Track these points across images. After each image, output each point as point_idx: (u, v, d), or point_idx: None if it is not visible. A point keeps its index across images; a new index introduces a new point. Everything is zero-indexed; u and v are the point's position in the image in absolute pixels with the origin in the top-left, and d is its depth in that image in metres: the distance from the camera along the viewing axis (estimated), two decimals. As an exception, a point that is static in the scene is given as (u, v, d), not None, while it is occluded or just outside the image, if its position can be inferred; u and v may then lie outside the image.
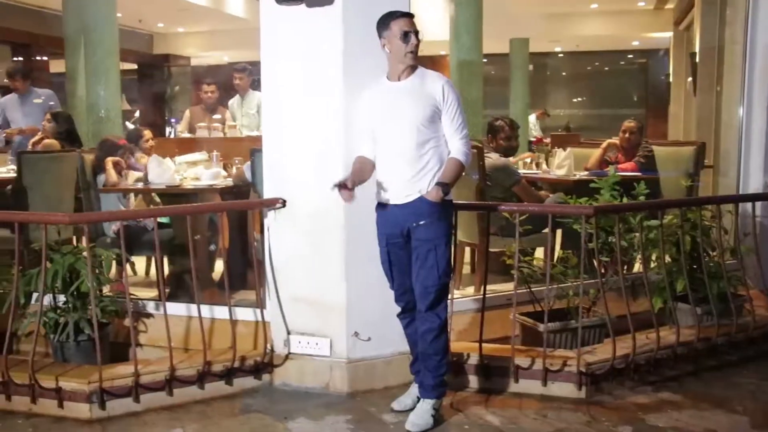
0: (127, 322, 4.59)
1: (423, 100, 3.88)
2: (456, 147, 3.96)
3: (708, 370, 4.84)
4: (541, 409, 4.29)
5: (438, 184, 3.84)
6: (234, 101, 8.68)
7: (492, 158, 5.99)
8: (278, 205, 4.53)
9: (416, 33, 3.85)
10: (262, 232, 4.78)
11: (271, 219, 4.62)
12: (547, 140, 15.24)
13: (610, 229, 4.73)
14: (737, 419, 4.21)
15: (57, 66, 13.13)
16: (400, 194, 3.91)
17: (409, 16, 3.90)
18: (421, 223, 3.88)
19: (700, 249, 5.00)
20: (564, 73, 24.18)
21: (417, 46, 3.86)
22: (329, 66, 4.36)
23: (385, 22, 3.89)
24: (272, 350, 4.65)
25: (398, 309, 4.16)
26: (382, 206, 4.02)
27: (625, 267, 5.10)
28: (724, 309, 5.00)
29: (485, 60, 21.39)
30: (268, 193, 4.64)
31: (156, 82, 18.22)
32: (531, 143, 15.46)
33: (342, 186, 3.76)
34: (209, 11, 14.37)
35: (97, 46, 8.57)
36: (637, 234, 4.82)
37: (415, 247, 3.94)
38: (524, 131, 17.53)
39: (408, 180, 3.88)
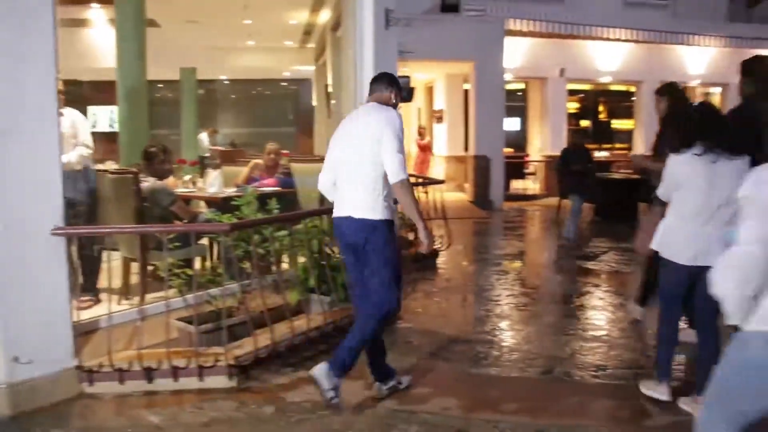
0: None
1: None
2: None
3: (337, 347, 4.98)
4: (198, 402, 4.17)
5: None
6: None
7: (150, 182, 5.72)
8: None
9: None
10: None
11: None
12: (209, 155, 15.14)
13: (249, 239, 4.73)
14: (355, 384, 4.33)
15: None
16: None
17: None
18: None
19: (326, 250, 5.18)
20: (233, 96, 24.25)
21: None
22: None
23: None
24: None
25: None
26: None
27: (272, 269, 5.12)
28: (348, 295, 5.21)
29: (161, 85, 20.92)
30: None
31: None
32: (202, 159, 15.25)
33: None
34: None
35: None
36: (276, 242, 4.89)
37: None
38: (195, 148, 17.28)
39: None
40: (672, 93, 5.42)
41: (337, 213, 3.97)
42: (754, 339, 2.19)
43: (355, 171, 3.86)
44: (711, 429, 2.35)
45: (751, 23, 18.52)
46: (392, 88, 4.05)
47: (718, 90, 18.90)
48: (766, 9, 21.06)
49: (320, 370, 3.85)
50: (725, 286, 2.17)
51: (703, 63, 17.41)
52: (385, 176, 3.78)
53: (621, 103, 18.41)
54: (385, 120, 3.80)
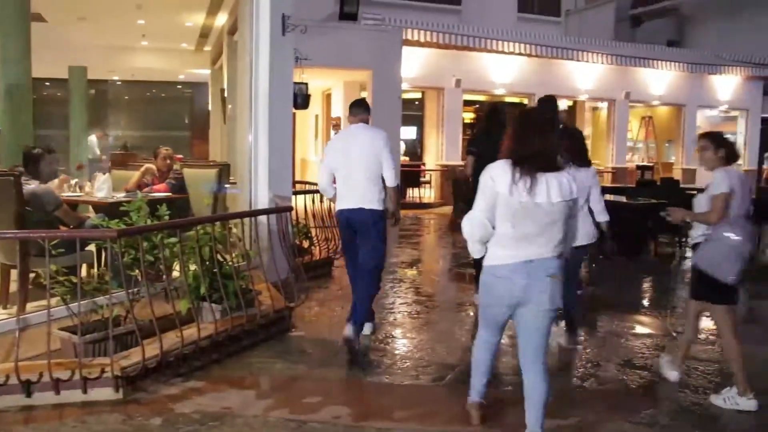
0: None
1: None
2: None
3: (229, 356, 4.97)
4: (81, 416, 4.02)
5: None
6: None
7: (32, 185, 5.47)
8: None
9: None
10: None
11: None
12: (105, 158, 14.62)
13: (138, 246, 4.59)
14: (246, 394, 4.39)
15: None
16: None
17: None
18: None
19: (218, 257, 5.10)
20: (126, 97, 23.51)
21: None
22: None
23: None
24: None
25: None
26: None
27: (164, 276, 4.98)
28: (240, 303, 5.15)
29: (48, 83, 20.01)
30: None
31: None
32: (90, 162, 14.74)
33: None
34: None
35: None
36: (166, 249, 4.76)
37: None
38: (84, 150, 16.64)
39: None
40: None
41: (347, 206, 5.27)
42: (487, 270, 3.50)
43: (364, 177, 5.20)
44: (481, 331, 3.77)
45: (634, 43, 19.63)
46: (368, 112, 5.46)
47: (604, 105, 19.86)
48: (649, 30, 22.33)
49: (348, 331, 4.99)
50: (465, 235, 3.48)
51: (591, 79, 18.25)
52: (382, 179, 5.27)
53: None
54: (383, 141, 5.26)
